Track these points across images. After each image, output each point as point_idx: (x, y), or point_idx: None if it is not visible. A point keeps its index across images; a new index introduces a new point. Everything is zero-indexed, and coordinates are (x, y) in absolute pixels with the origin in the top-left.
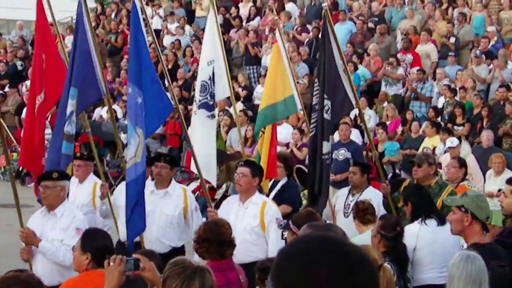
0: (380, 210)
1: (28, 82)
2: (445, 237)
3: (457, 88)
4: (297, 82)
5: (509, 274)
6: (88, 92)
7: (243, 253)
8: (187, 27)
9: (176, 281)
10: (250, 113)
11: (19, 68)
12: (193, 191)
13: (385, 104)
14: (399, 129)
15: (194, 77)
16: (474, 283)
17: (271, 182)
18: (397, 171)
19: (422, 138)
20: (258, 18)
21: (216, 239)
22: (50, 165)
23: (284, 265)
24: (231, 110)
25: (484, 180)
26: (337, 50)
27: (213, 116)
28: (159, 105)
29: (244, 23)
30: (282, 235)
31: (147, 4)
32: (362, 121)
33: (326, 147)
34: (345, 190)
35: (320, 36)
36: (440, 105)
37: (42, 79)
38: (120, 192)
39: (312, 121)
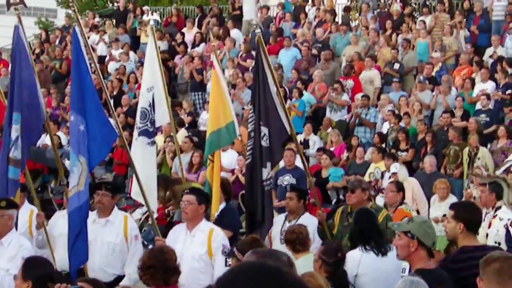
0: (315, 237)
1: None
2: (387, 263)
3: (401, 114)
4: (243, 109)
5: None
6: (32, 117)
7: (191, 281)
8: (132, 54)
9: None
10: (195, 139)
11: None
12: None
13: (330, 130)
14: (344, 154)
15: None
16: None
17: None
18: (341, 197)
19: (367, 163)
20: (203, 44)
21: (161, 266)
22: None
23: None
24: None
25: (429, 205)
26: (271, 77)
27: (153, 143)
28: (103, 132)
29: (189, 49)
30: (226, 262)
31: (91, 30)
32: (297, 147)
33: (265, 173)
34: (282, 216)
35: (253, 63)
36: (384, 131)
37: None
38: (56, 221)
39: (248, 148)
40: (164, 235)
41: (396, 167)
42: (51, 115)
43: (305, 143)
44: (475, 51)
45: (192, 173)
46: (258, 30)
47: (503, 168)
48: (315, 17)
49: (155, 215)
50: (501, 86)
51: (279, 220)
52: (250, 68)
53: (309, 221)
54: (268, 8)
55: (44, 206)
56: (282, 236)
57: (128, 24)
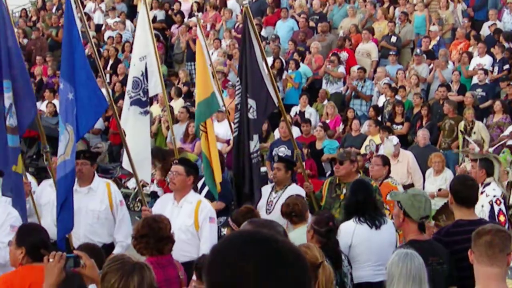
0: None
1: None
2: (382, 236)
3: (397, 87)
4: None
5: (447, 272)
6: (24, 84)
7: (177, 253)
8: (128, 22)
9: (115, 277)
10: (192, 109)
11: None
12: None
13: (326, 102)
14: (340, 127)
15: None
16: (414, 280)
17: (201, 180)
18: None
19: (363, 136)
20: (200, 14)
21: (154, 235)
22: None
23: (215, 262)
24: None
25: (424, 179)
26: (258, 49)
27: (146, 112)
28: (93, 101)
29: (185, 19)
30: (220, 232)
31: None
32: (285, 119)
33: (252, 146)
34: (268, 187)
35: (241, 35)
36: (380, 104)
37: None
38: (43, 190)
39: (235, 121)
40: None
41: (392, 140)
42: (47, 83)
43: (301, 115)
44: (472, 25)
45: (188, 143)
46: (245, 1)
47: (497, 145)
48: None
49: (157, 188)
50: (497, 61)
51: (265, 190)
52: None
53: (295, 192)
54: None
55: (39, 174)
56: (268, 206)
57: None
